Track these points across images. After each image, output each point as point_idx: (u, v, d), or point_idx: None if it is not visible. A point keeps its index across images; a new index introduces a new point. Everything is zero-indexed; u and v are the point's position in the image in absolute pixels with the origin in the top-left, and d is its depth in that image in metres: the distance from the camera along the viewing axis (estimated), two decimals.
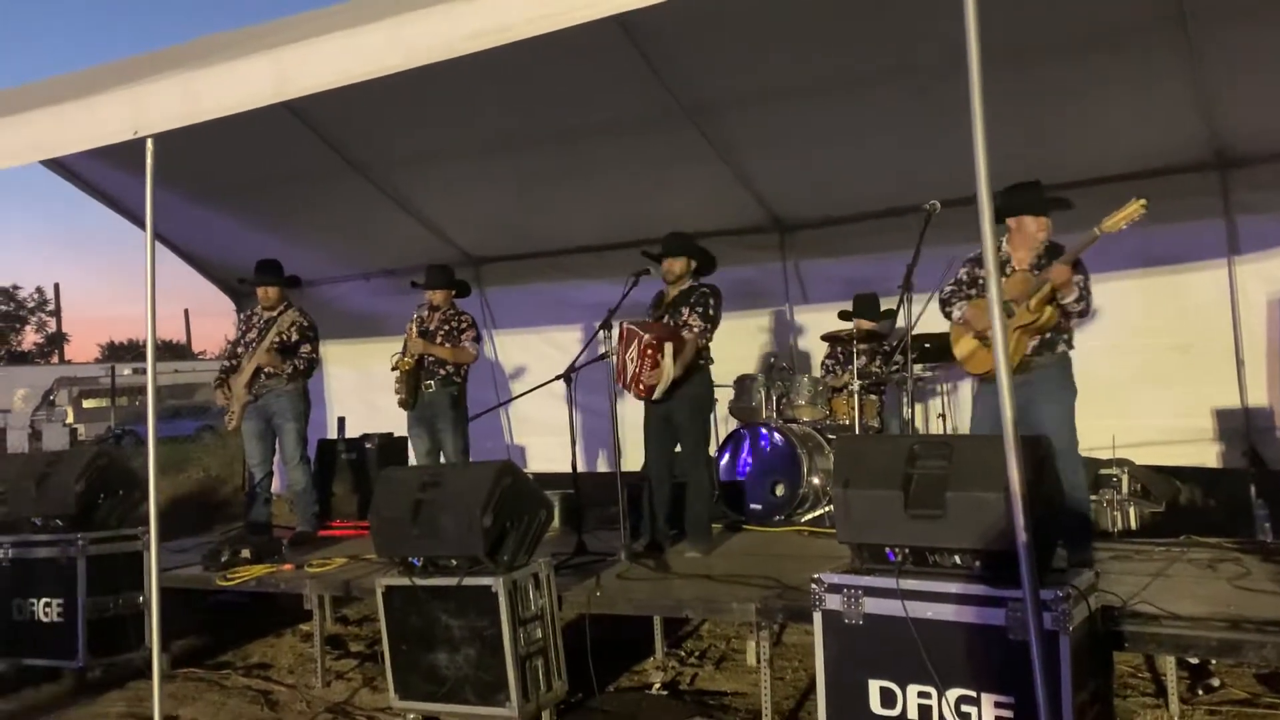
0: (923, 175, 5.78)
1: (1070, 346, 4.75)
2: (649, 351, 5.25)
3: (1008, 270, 4.77)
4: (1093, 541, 4.84)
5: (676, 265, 5.61)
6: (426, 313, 6.74)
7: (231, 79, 4.08)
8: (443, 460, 6.58)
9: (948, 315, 4.90)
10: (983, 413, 4.89)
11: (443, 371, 6.61)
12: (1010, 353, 4.55)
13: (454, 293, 6.83)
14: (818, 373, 7.19)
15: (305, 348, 6.64)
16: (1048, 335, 4.60)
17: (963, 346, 4.86)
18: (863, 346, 6.48)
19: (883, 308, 6.67)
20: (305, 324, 6.66)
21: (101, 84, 4.45)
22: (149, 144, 4.14)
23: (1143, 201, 4.14)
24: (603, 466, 7.81)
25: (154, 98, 4.22)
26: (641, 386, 5.31)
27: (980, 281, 4.95)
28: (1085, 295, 4.52)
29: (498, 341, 8.77)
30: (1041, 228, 4.66)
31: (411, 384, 6.58)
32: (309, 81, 3.95)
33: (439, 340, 6.60)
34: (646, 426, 5.65)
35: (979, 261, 5.00)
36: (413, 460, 7.07)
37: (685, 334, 5.42)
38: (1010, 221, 4.72)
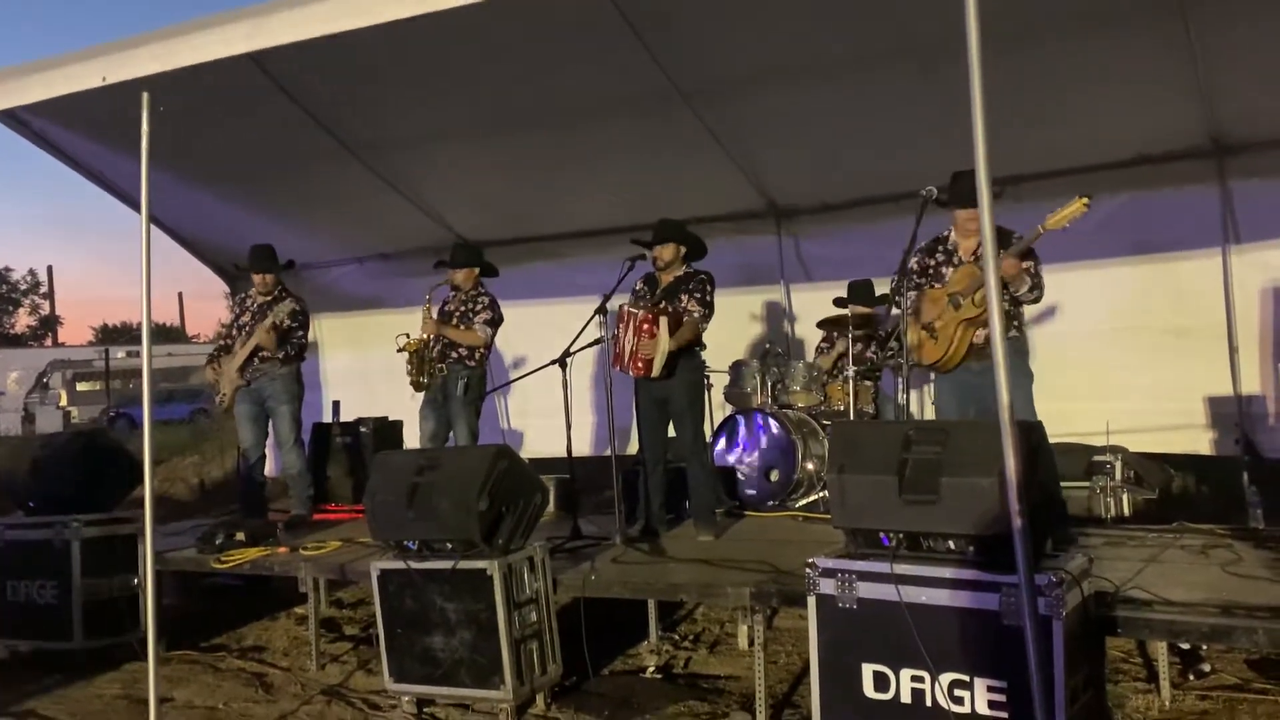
0: (920, 160, 5.76)
1: (1020, 332, 4.76)
2: (645, 326, 5.29)
3: (955, 260, 4.78)
4: (1068, 525, 4.85)
5: (666, 252, 5.60)
6: (450, 292, 6.59)
7: (205, 37, 4.18)
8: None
9: (896, 304, 4.85)
10: (946, 401, 4.91)
11: (455, 355, 6.42)
12: (955, 347, 4.62)
13: (478, 272, 6.60)
14: (812, 357, 7.19)
15: (299, 333, 6.66)
16: None
17: (910, 336, 4.82)
18: (858, 333, 6.47)
19: (878, 292, 6.66)
20: (299, 309, 6.65)
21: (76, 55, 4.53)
22: (144, 97, 4.08)
23: (1085, 200, 4.12)
24: (598, 450, 7.81)
25: (124, 53, 4.28)
26: (639, 362, 5.32)
27: (930, 270, 4.96)
28: (1037, 282, 4.54)
29: None
30: (973, 217, 4.63)
31: (420, 365, 6.39)
32: (283, 33, 4.01)
33: (454, 322, 6.46)
34: (639, 410, 5.66)
35: (929, 250, 5.01)
36: (410, 442, 7.04)
37: (686, 319, 5.45)
38: (959, 212, 4.75)
